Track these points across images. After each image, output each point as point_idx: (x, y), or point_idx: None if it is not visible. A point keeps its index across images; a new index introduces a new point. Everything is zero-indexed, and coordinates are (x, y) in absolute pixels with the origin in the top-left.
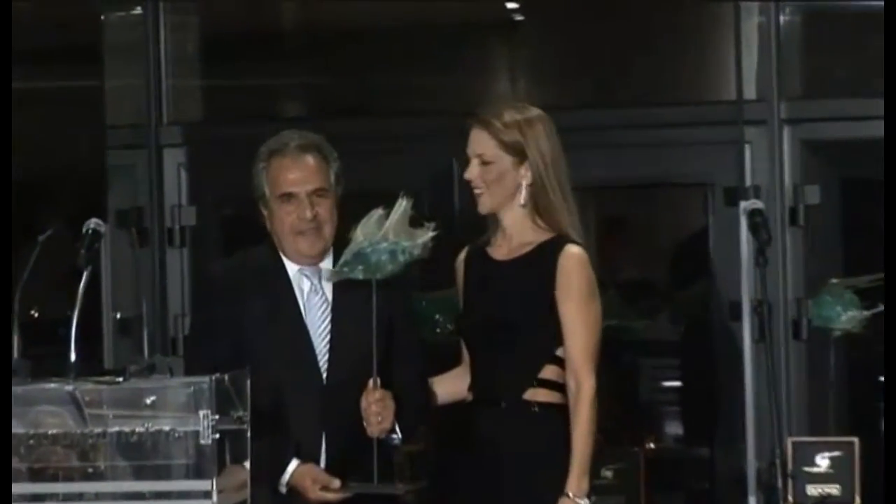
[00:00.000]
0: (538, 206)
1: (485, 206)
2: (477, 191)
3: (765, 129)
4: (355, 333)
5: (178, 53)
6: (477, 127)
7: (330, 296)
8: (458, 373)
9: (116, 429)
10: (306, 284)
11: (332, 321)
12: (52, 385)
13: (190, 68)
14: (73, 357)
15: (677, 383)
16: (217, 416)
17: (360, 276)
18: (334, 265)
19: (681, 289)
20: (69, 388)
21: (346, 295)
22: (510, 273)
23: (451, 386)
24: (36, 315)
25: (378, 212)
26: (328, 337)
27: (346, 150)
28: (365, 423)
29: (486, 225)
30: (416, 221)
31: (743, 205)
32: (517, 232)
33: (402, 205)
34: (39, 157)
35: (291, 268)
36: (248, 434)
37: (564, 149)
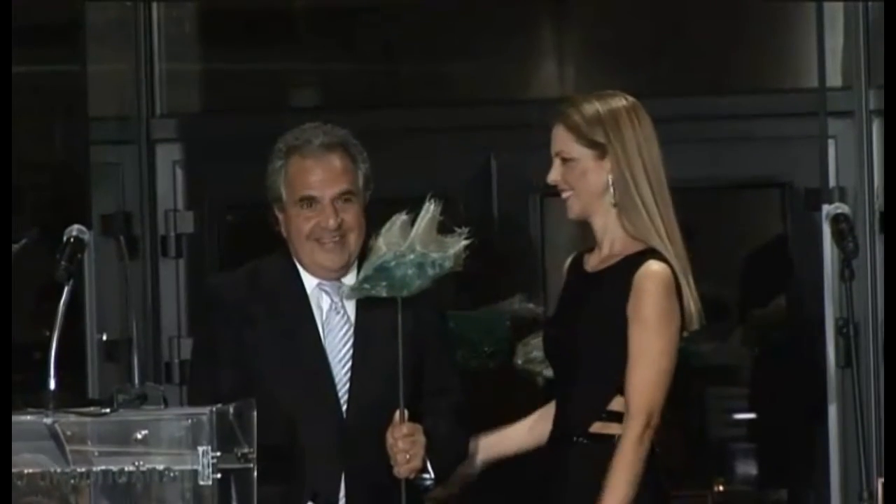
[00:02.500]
0: (621, 207)
1: (572, 210)
2: (564, 194)
3: (851, 122)
4: (381, 359)
5: (173, 34)
6: (555, 122)
7: (353, 315)
8: (542, 414)
9: (102, 468)
10: (325, 302)
11: (355, 345)
12: (29, 417)
13: (186, 51)
14: (52, 385)
15: (750, 415)
16: (218, 454)
17: (384, 294)
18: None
19: (754, 306)
20: (48, 420)
21: (372, 314)
22: (591, 288)
23: (528, 435)
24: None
25: (402, 217)
26: (349, 363)
27: (368, 146)
28: (392, 463)
29: (526, 231)
30: (446, 228)
31: (826, 209)
32: (608, 240)
33: (430, 210)
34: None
35: (309, 282)
36: (255, 474)
37: None
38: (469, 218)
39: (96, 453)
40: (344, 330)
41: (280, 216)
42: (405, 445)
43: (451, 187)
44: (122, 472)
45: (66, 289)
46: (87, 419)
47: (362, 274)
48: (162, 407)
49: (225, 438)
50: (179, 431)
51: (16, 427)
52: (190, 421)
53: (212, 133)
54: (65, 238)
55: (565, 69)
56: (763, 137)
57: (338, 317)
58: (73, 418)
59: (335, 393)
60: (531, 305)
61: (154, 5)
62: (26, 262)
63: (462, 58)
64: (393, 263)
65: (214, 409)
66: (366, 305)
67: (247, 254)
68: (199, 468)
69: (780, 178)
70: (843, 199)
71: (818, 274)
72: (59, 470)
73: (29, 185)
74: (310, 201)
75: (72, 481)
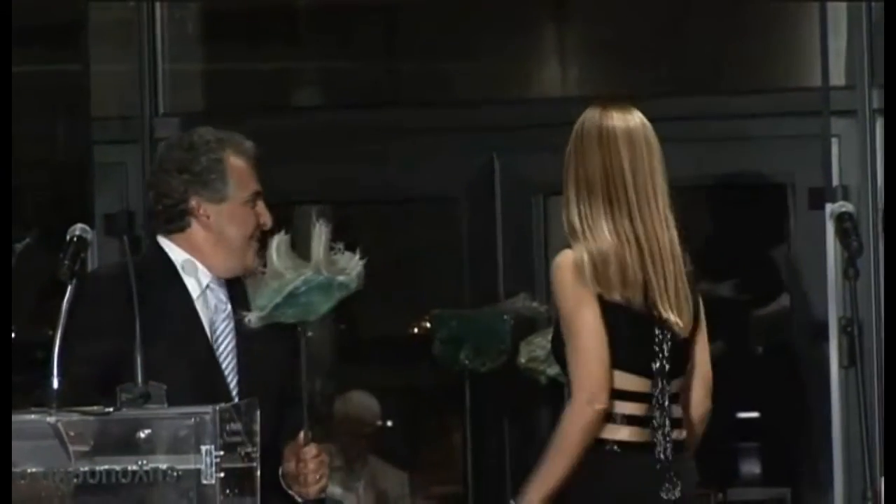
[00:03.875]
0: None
1: None
2: None
3: (855, 121)
4: (263, 362)
5: (176, 33)
6: None
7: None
8: None
9: (105, 467)
10: (212, 300)
11: (238, 345)
12: (32, 416)
13: (189, 51)
14: (55, 384)
15: (753, 415)
16: (222, 453)
17: (292, 320)
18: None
19: (757, 306)
20: (51, 420)
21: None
22: None
23: None
24: (12, 336)
25: (281, 237)
26: (235, 362)
27: (371, 146)
28: (292, 483)
29: (529, 231)
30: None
31: (830, 208)
32: None
33: (324, 230)
34: (14, 153)
35: (200, 281)
36: (258, 473)
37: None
38: (472, 220)
39: (99, 453)
40: (229, 328)
41: (208, 209)
42: (315, 466)
43: (454, 187)
44: (125, 471)
45: (69, 288)
46: (91, 418)
47: (270, 300)
48: (165, 406)
49: (228, 437)
50: (182, 431)
51: (19, 426)
52: (193, 420)
53: None
54: (68, 237)
55: (568, 69)
56: (766, 136)
57: (223, 315)
58: (75, 417)
59: (229, 396)
60: (534, 305)
61: (157, 5)
62: (29, 261)
63: (464, 57)
64: (303, 289)
65: (218, 408)
66: (245, 305)
67: None
68: (203, 467)
69: (783, 177)
70: (846, 198)
71: (822, 273)
72: (62, 470)
73: (32, 184)
74: (256, 198)
75: (74, 480)
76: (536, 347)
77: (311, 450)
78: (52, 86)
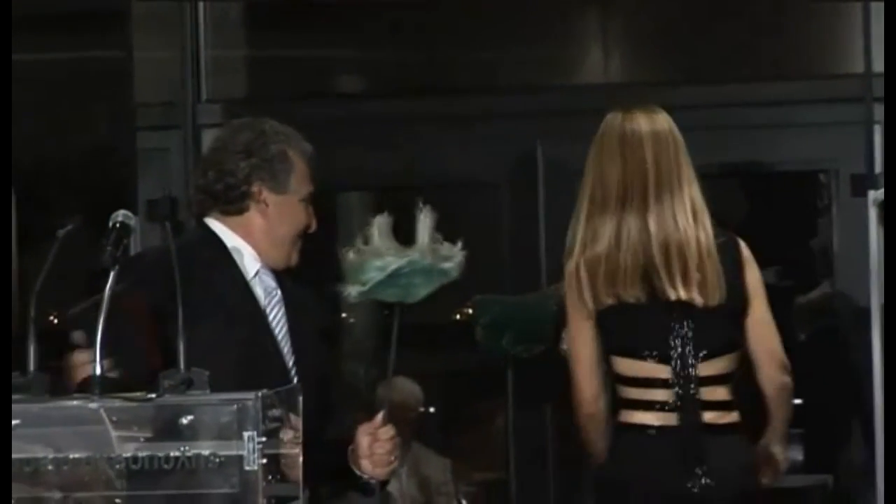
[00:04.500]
0: None
1: None
2: None
3: None
4: (315, 343)
5: (219, 20)
6: None
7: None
8: None
9: (148, 453)
10: (261, 287)
11: (291, 328)
12: (75, 402)
13: (232, 37)
14: (98, 370)
15: (796, 401)
16: (264, 439)
17: (391, 300)
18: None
19: (800, 293)
20: (94, 405)
21: (300, 294)
22: None
23: None
24: (55, 322)
25: (384, 217)
26: (289, 344)
27: (413, 133)
28: (359, 464)
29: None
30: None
31: (872, 194)
32: None
33: (429, 216)
34: (58, 140)
35: (252, 267)
36: (301, 459)
37: None
38: (515, 207)
39: (142, 439)
40: (281, 313)
41: (269, 198)
42: (390, 447)
43: (497, 174)
44: (167, 457)
45: (111, 274)
46: (133, 404)
47: (370, 277)
48: (207, 392)
49: (271, 423)
50: (225, 417)
51: (61, 412)
52: (235, 406)
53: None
54: (110, 223)
55: (610, 56)
56: (808, 124)
57: (275, 300)
58: (119, 403)
59: (287, 378)
60: None
61: None
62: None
63: (507, 44)
64: (406, 270)
65: (260, 394)
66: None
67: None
68: (245, 454)
69: (825, 164)
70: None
71: (864, 260)
72: (105, 456)
73: (75, 170)
74: (310, 199)
75: (118, 466)
76: None
77: (388, 430)
78: (96, 72)
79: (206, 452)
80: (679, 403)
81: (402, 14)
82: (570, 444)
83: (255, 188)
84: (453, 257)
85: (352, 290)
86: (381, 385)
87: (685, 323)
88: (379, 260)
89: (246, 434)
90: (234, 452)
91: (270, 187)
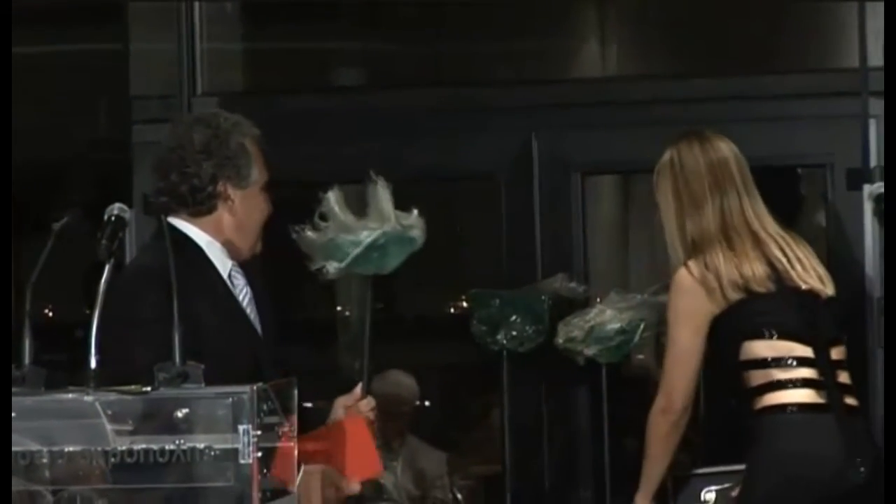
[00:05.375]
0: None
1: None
2: None
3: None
4: (274, 326)
5: (215, 13)
6: None
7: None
8: None
9: (143, 447)
10: (238, 280)
11: (259, 315)
12: (70, 396)
13: (228, 31)
14: (93, 363)
15: None
16: (259, 432)
17: (370, 272)
18: None
19: None
20: (89, 398)
21: (256, 283)
22: None
23: None
24: (50, 315)
25: (336, 191)
26: (260, 332)
27: (410, 125)
28: None
29: (567, 210)
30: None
31: (867, 188)
32: None
33: (386, 186)
34: (54, 133)
35: (225, 263)
36: (296, 452)
37: (656, 122)
38: (510, 198)
39: (137, 432)
40: (252, 307)
41: (234, 194)
42: (373, 417)
43: (493, 166)
44: (162, 450)
45: (107, 267)
46: (128, 397)
47: (348, 253)
48: (202, 385)
49: (266, 417)
50: (220, 410)
51: (57, 405)
52: (230, 400)
53: (253, 112)
54: (106, 217)
55: (607, 48)
56: (804, 117)
57: (248, 297)
58: (113, 396)
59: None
60: (573, 285)
61: None
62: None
63: (504, 37)
64: (381, 241)
65: (255, 387)
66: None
67: (284, 231)
68: (240, 447)
69: (821, 158)
70: (884, 179)
71: (859, 254)
72: (100, 449)
73: (71, 163)
74: (266, 187)
75: (112, 460)
76: (574, 328)
77: (369, 402)
78: (92, 65)
79: (201, 446)
80: (825, 381)
81: (398, 7)
82: (565, 438)
83: (220, 187)
84: (416, 225)
85: (329, 267)
86: (375, 378)
87: (814, 305)
88: (351, 234)
89: (241, 427)
90: (229, 446)
91: (235, 184)
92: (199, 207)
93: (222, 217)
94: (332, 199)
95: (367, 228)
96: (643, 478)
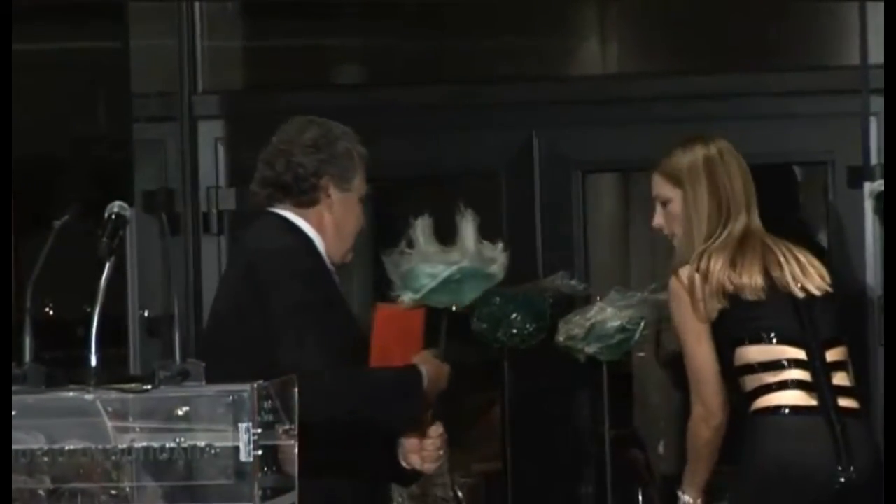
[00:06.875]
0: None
1: (678, 252)
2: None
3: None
4: None
5: (215, 10)
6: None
7: None
8: None
9: (144, 444)
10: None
11: None
12: (71, 394)
13: (228, 28)
14: (94, 361)
15: None
16: (260, 430)
17: (442, 306)
18: None
19: None
20: (90, 397)
21: None
22: None
23: None
24: (51, 313)
25: (425, 219)
26: None
27: (411, 122)
28: (409, 458)
29: (568, 208)
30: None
31: (868, 186)
32: None
33: (472, 221)
34: (53, 131)
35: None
36: (296, 451)
37: (657, 120)
38: (511, 197)
39: (138, 430)
40: None
41: (334, 194)
42: (439, 443)
43: (493, 163)
44: (163, 448)
45: (107, 265)
46: (129, 395)
47: (424, 285)
48: (203, 383)
49: (266, 415)
50: (221, 408)
51: (58, 403)
52: (231, 398)
53: (254, 109)
54: (106, 214)
55: (608, 46)
56: (805, 114)
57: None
58: (114, 395)
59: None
60: (573, 282)
61: None
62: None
63: (504, 34)
64: (457, 277)
65: (255, 385)
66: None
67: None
68: (241, 445)
69: (821, 155)
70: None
71: (860, 251)
72: (101, 446)
73: (71, 161)
74: (363, 199)
75: (113, 457)
76: (575, 326)
77: (438, 427)
78: (92, 62)
79: (201, 444)
80: (817, 384)
81: (398, 4)
82: (566, 435)
83: (323, 182)
84: (497, 259)
85: (405, 297)
86: None
87: (807, 306)
88: (429, 266)
89: (241, 425)
90: (229, 444)
91: (337, 183)
92: (302, 197)
93: (323, 214)
94: (419, 227)
95: (445, 262)
96: (690, 476)
